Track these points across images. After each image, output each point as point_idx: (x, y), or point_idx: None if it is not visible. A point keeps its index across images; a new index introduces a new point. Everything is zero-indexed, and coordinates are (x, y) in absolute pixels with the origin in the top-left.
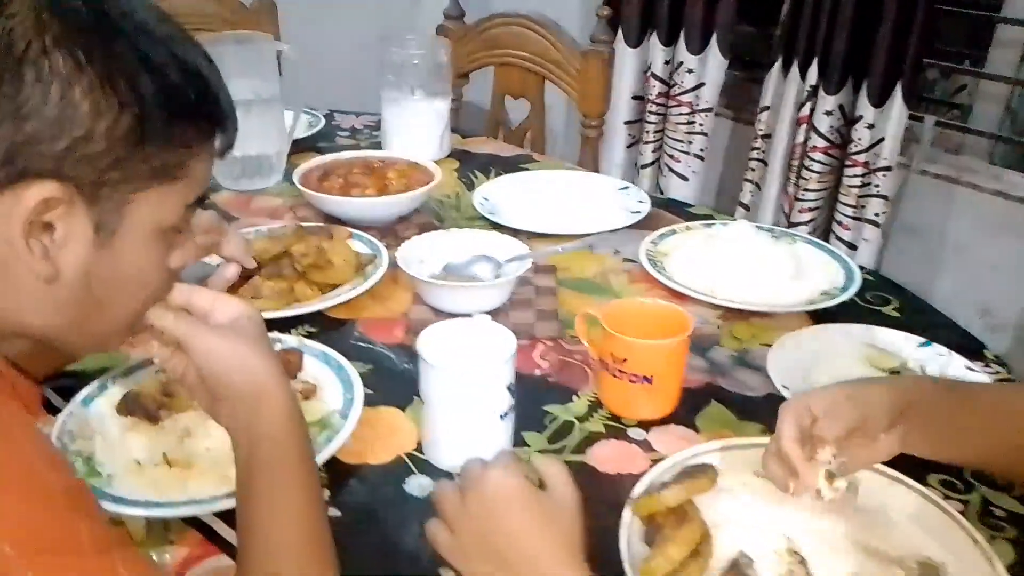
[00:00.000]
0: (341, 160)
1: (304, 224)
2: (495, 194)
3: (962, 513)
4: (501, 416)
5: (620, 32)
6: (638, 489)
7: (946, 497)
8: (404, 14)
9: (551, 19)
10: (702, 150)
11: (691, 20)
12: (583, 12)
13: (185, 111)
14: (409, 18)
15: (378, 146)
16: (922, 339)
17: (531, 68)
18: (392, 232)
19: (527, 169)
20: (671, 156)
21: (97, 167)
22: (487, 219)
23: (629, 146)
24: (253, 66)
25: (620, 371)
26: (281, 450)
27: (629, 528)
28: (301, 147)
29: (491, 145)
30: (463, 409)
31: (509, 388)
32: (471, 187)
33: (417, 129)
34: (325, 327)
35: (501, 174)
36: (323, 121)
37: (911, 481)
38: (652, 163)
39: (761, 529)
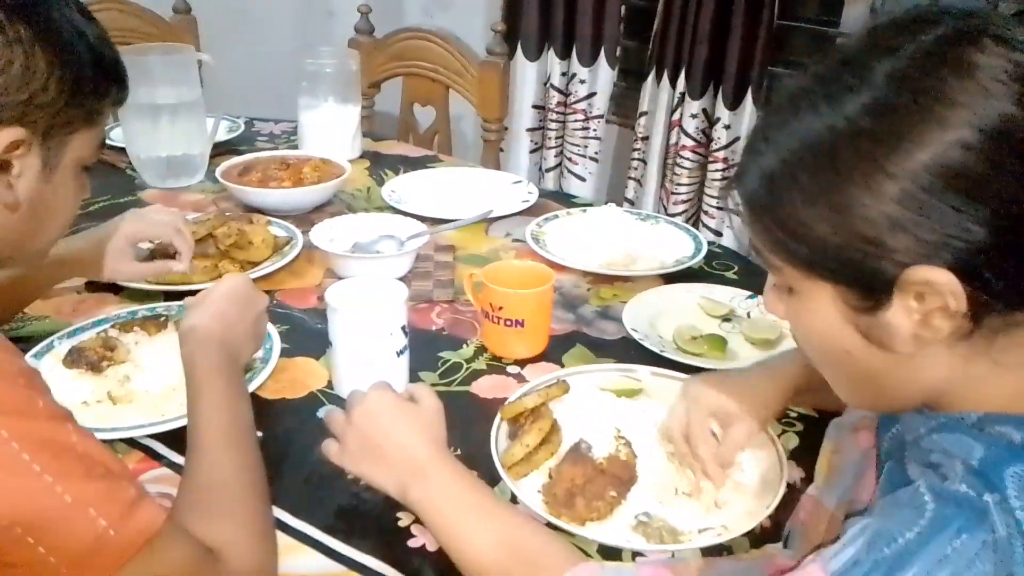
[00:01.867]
0: (260, 158)
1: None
2: (402, 187)
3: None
4: (397, 353)
5: (520, 47)
6: (508, 401)
7: None
8: (319, 29)
9: (452, 33)
10: (596, 153)
11: (582, 35)
12: (484, 27)
13: (104, 68)
14: (324, 32)
15: (295, 149)
16: (749, 293)
17: (436, 78)
18: (307, 220)
19: (433, 167)
20: (570, 159)
21: (49, 114)
22: (395, 208)
23: (533, 151)
24: (177, 74)
25: (498, 318)
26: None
27: (498, 428)
28: (222, 150)
29: (401, 147)
30: (365, 347)
31: (403, 329)
32: (381, 182)
33: (331, 132)
34: None
35: (409, 171)
36: (243, 127)
37: None
38: (555, 167)
39: (599, 425)
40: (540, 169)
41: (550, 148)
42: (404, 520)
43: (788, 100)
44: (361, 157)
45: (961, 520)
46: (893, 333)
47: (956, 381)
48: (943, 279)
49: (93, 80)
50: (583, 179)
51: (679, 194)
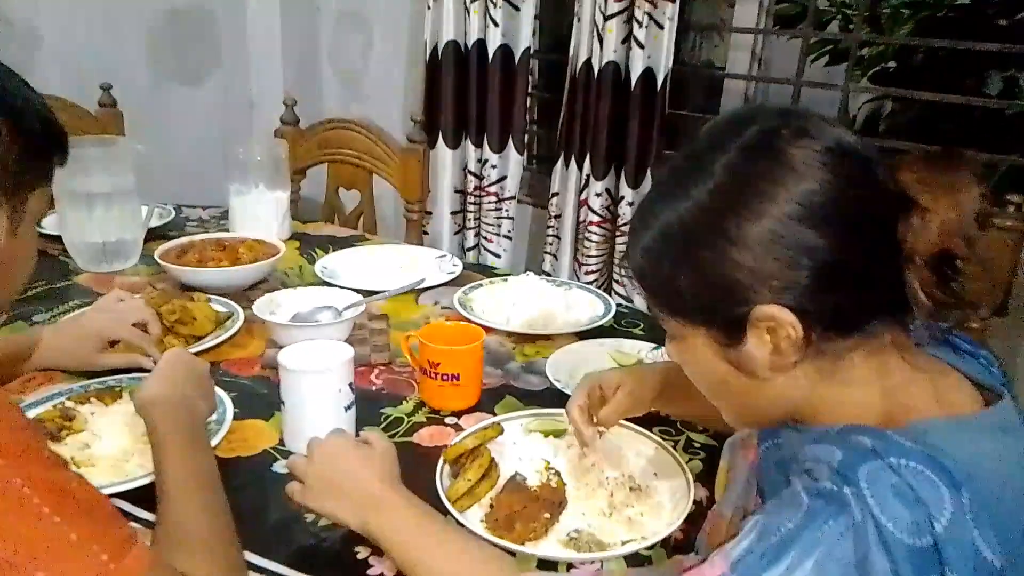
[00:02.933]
0: (195, 240)
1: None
2: (333, 264)
3: (673, 446)
4: (346, 408)
5: (441, 136)
6: (449, 444)
7: (664, 438)
8: (240, 119)
9: (374, 123)
10: (510, 231)
11: (491, 125)
12: (401, 117)
13: (52, 130)
14: (245, 122)
15: (226, 232)
16: (654, 344)
17: (360, 163)
18: (244, 297)
19: (360, 245)
20: (486, 238)
21: (11, 174)
22: (327, 283)
23: (456, 233)
24: (112, 164)
25: (435, 373)
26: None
27: (441, 470)
28: (155, 235)
29: (328, 228)
30: (317, 402)
31: (350, 385)
32: (312, 261)
33: (261, 216)
34: None
35: (339, 249)
36: (173, 213)
37: (641, 428)
38: (474, 246)
39: (531, 458)
40: (462, 248)
41: (470, 229)
42: (362, 553)
43: (654, 189)
44: (291, 238)
45: (829, 510)
46: (755, 361)
47: (812, 398)
48: (782, 314)
49: (45, 141)
50: (498, 256)
51: (589, 265)
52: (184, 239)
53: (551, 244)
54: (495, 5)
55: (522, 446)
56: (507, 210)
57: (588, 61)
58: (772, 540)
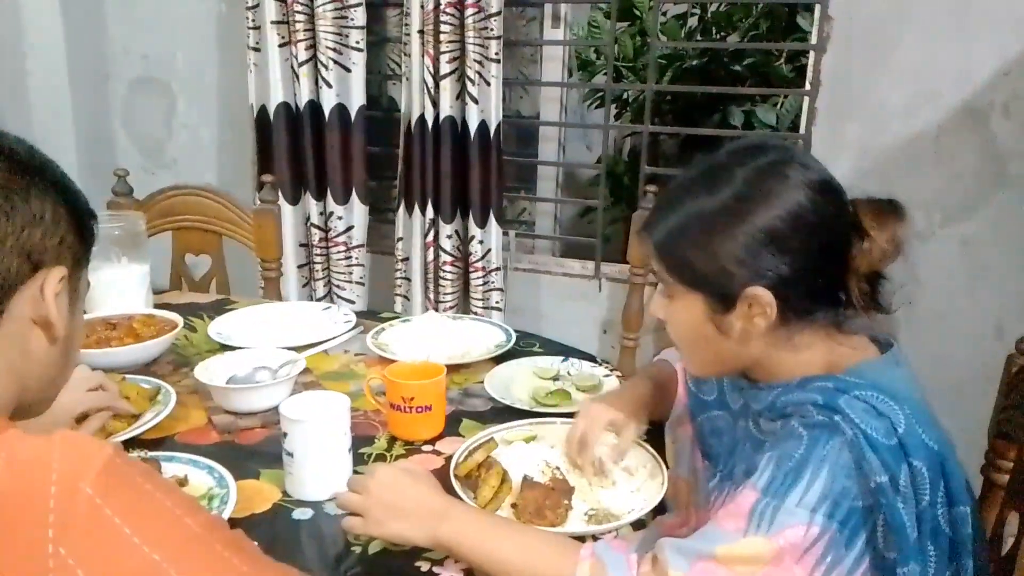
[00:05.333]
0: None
1: None
2: (225, 328)
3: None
4: (348, 450)
5: (280, 193)
6: (452, 465)
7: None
8: None
9: (220, 188)
10: (361, 278)
11: (334, 180)
12: (218, 181)
13: (90, 211)
14: None
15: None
16: (562, 357)
17: (208, 228)
18: (149, 372)
19: (235, 308)
20: (338, 286)
21: (71, 252)
22: (225, 345)
23: (304, 285)
24: None
25: (409, 407)
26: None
27: (457, 487)
28: None
29: (185, 296)
30: (329, 449)
31: (350, 428)
32: (193, 330)
33: (125, 291)
34: (150, 447)
35: (213, 317)
36: None
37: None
38: (325, 295)
39: (532, 460)
40: (312, 299)
41: (318, 280)
42: (424, 565)
43: (682, 184)
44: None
45: (826, 434)
46: (732, 327)
47: (763, 359)
48: (766, 297)
49: (89, 221)
50: (352, 302)
51: (445, 302)
52: None
53: (400, 286)
54: (327, 68)
55: (512, 453)
56: (356, 257)
57: (422, 116)
58: (788, 465)
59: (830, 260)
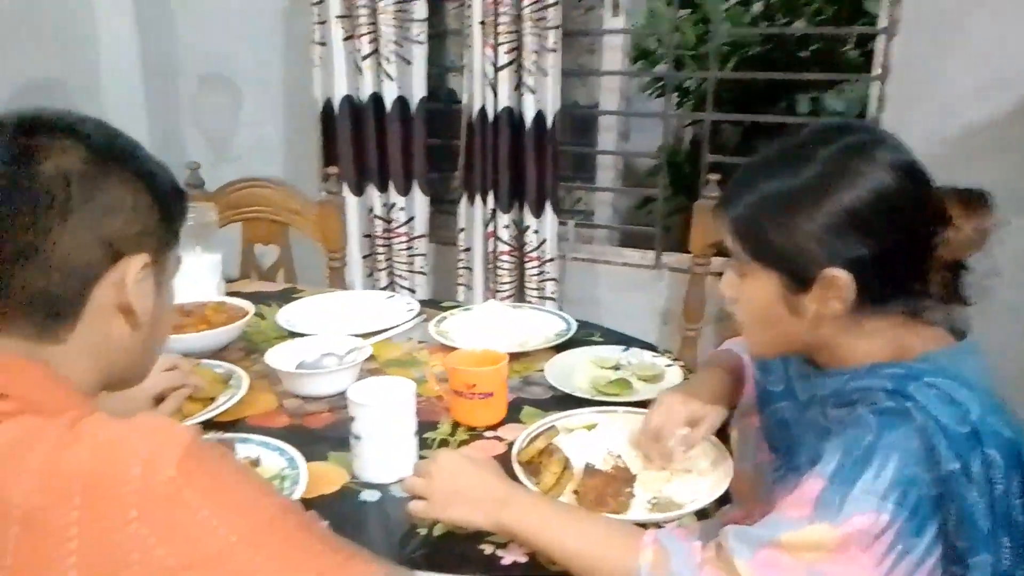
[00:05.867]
0: None
1: None
2: (292, 315)
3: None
4: (413, 434)
5: (344, 185)
6: (514, 451)
7: None
8: None
9: (283, 180)
10: (422, 267)
11: (396, 171)
12: (284, 174)
13: (179, 194)
14: None
15: None
16: (623, 346)
17: (275, 219)
18: (221, 357)
19: (301, 296)
20: (400, 276)
21: (155, 238)
22: (293, 332)
23: (369, 275)
24: None
25: (472, 393)
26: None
27: (518, 471)
28: None
29: (254, 285)
30: (395, 433)
31: (416, 413)
32: (262, 317)
33: (200, 279)
34: (223, 430)
35: (281, 305)
36: None
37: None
38: (387, 285)
39: (594, 448)
40: (375, 288)
41: (381, 270)
42: (488, 549)
43: (762, 162)
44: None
45: (895, 421)
46: (806, 309)
47: (831, 343)
48: (844, 279)
49: (175, 203)
50: (413, 291)
51: (502, 291)
52: None
53: (462, 276)
54: (388, 61)
55: (573, 441)
56: (418, 247)
57: (483, 107)
58: (857, 453)
59: (913, 246)
